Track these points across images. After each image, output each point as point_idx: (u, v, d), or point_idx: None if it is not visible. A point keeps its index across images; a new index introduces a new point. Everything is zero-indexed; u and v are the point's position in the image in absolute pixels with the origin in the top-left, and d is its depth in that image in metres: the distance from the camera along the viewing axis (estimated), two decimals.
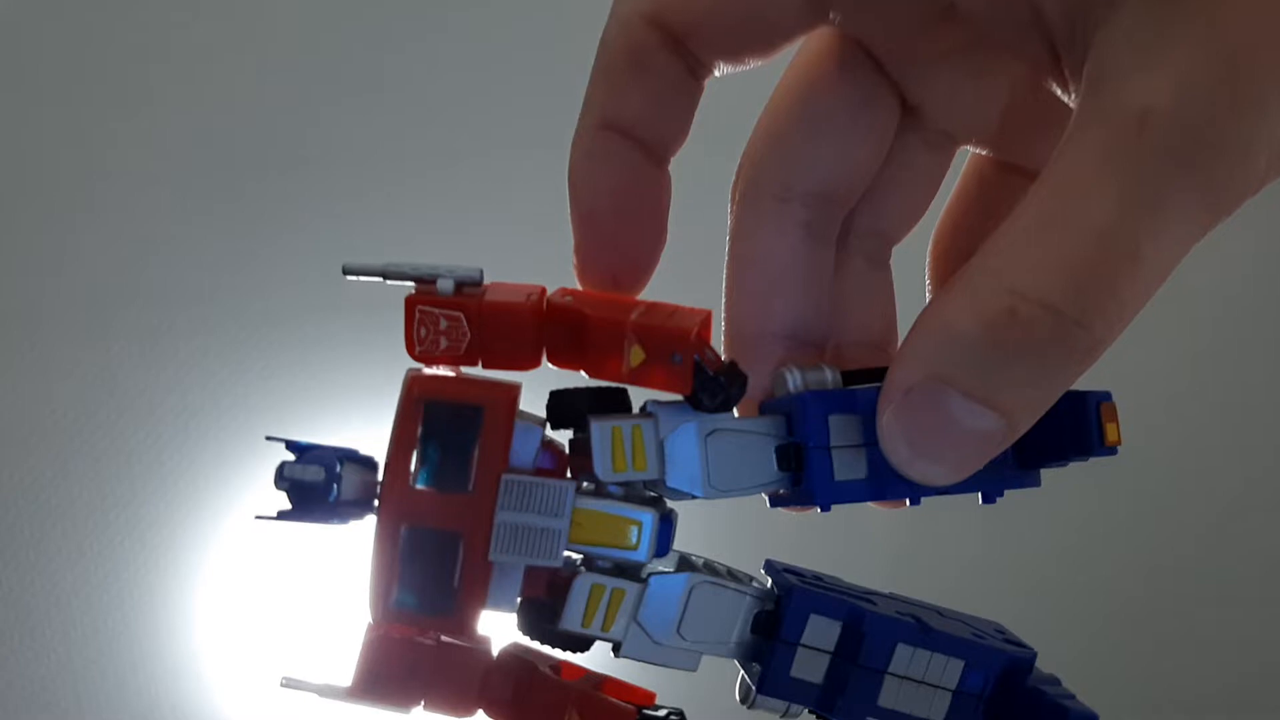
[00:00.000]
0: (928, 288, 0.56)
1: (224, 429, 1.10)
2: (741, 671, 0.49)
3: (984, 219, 0.53)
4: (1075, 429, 0.48)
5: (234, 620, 1.15)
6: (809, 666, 0.48)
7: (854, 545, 1.10)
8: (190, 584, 1.16)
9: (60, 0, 1.17)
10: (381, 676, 0.45)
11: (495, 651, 0.48)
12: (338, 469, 0.44)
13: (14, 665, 1.14)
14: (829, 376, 0.50)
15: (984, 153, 0.53)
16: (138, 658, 1.13)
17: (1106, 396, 0.48)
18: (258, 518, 0.44)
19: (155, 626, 1.14)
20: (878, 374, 0.50)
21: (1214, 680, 1.51)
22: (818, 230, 0.47)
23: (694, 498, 0.47)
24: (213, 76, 1.22)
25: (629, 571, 0.46)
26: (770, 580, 0.50)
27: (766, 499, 0.50)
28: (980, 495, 0.50)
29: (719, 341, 0.51)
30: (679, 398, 0.42)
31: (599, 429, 0.44)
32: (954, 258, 0.55)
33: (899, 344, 0.53)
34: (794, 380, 0.49)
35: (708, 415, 0.46)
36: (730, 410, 0.46)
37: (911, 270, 0.56)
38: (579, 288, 0.50)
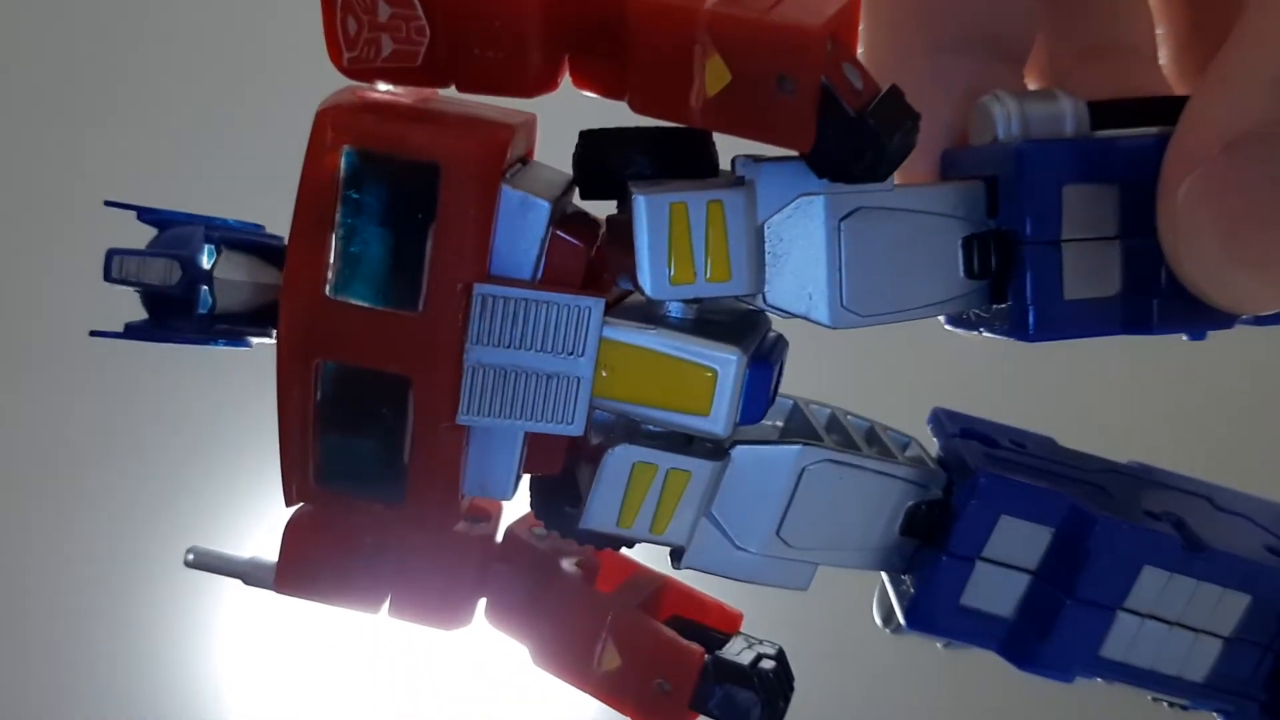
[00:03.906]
0: None
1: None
2: (884, 581, 0.31)
3: None
4: None
5: (256, 636, 1.03)
6: (993, 592, 0.29)
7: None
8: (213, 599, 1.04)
9: None
10: (317, 567, 0.30)
11: (500, 533, 0.32)
12: (204, 262, 0.26)
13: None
14: (1068, 112, 0.29)
15: None
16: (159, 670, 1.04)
17: None
18: (92, 334, 0.27)
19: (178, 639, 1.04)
20: (1156, 110, 0.29)
21: None
22: None
23: (817, 324, 0.27)
24: None
25: (700, 443, 0.28)
26: (938, 449, 0.31)
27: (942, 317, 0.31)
28: None
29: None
30: (790, 153, 0.26)
31: (648, 206, 0.25)
32: None
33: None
34: (1005, 116, 0.29)
35: (844, 185, 0.26)
36: (886, 178, 0.26)
37: None
38: None
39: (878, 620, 0.32)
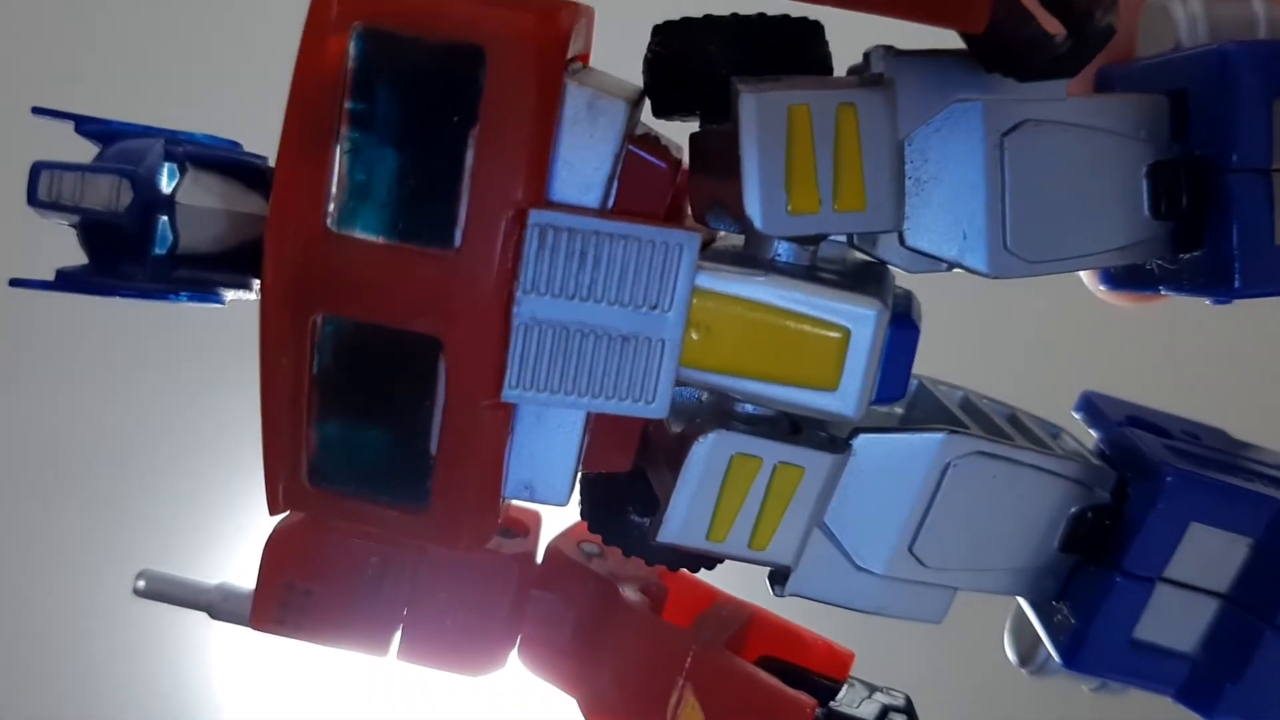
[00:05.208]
0: None
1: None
2: (1025, 609, 0.25)
3: None
4: None
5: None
6: (1175, 621, 0.23)
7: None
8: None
9: None
10: (307, 597, 0.23)
11: (541, 553, 0.25)
12: (163, 183, 0.20)
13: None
14: (1260, 16, 0.23)
15: None
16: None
17: None
18: (13, 283, 0.20)
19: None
20: None
21: None
22: None
23: (970, 271, 0.21)
24: None
25: (810, 429, 0.21)
26: (1098, 442, 0.25)
27: (1086, 278, 0.25)
28: None
29: None
30: (947, 39, 0.20)
31: (760, 108, 0.19)
32: None
33: None
34: (1189, 18, 0.23)
35: (1012, 86, 0.20)
36: (1077, 73, 0.20)
37: None
38: None
39: (1012, 658, 0.26)
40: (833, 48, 0.22)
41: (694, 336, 0.20)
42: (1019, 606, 0.25)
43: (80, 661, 0.98)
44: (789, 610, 0.25)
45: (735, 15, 0.21)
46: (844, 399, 0.20)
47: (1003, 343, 0.69)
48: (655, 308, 0.20)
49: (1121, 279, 0.24)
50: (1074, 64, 0.19)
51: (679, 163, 0.21)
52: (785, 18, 0.21)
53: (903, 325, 0.20)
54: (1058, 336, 0.69)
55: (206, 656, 0.96)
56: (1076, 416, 0.25)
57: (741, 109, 0.19)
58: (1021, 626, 0.25)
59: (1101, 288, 0.25)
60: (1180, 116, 0.22)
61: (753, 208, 0.19)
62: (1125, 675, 0.24)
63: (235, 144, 0.21)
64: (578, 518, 0.24)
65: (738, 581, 0.25)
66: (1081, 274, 0.25)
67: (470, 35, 0.19)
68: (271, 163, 0.20)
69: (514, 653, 0.25)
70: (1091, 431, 0.25)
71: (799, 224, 0.19)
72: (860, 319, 0.20)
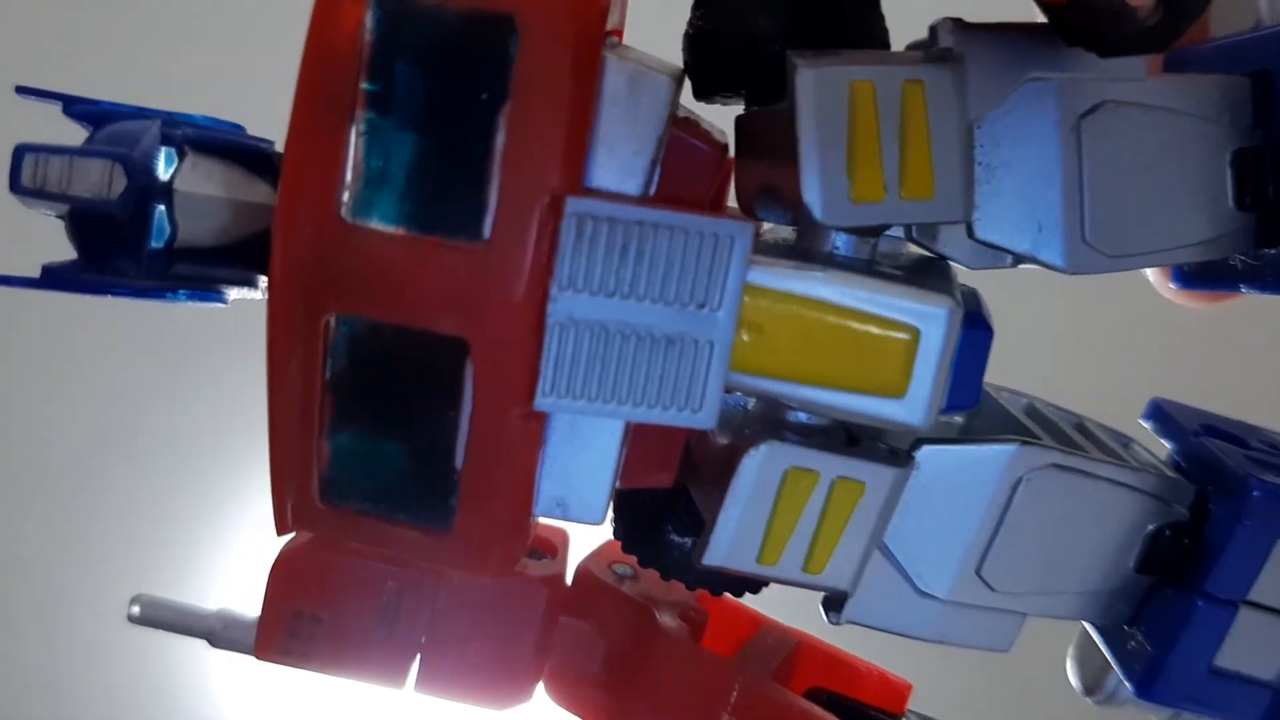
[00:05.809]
0: None
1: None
2: (1093, 635, 0.23)
3: None
4: None
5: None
6: (1258, 647, 0.21)
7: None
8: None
9: None
10: (316, 625, 0.21)
11: (570, 575, 0.23)
12: (160, 169, 0.18)
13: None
14: None
15: None
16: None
17: None
18: None
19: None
20: None
21: None
22: None
23: (1045, 266, 0.19)
24: None
25: (870, 441, 0.19)
26: (1172, 453, 0.23)
27: (1153, 274, 0.23)
28: None
29: None
30: (1020, 12, 0.18)
31: (819, 84, 0.17)
32: None
33: None
34: None
35: (1091, 64, 0.18)
36: (1161, 48, 0.18)
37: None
38: None
39: (1076, 686, 0.24)
40: (890, 23, 0.20)
41: (745, 338, 0.18)
42: (1083, 631, 0.23)
43: (78, 667, 0.96)
44: (836, 636, 0.23)
45: None
46: (912, 407, 0.18)
47: (1050, 346, 0.66)
48: (703, 306, 0.18)
49: (1195, 276, 0.22)
50: (1165, 37, 0.17)
51: (725, 148, 0.20)
52: None
53: (975, 325, 0.19)
54: (1112, 340, 0.66)
55: (207, 668, 0.94)
56: (1145, 425, 0.24)
57: (799, 85, 0.17)
58: (1086, 652, 0.23)
59: (1172, 286, 0.23)
60: (1263, 100, 0.21)
61: (811, 195, 0.17)
62: (1204, 706, 0.22)
63: (239, 127, 0.20)
64: (609, 536, 0.22)
65: (780, 605, 0.23)
66: (1148, 272, 0.23)
67: (500, 2, 0.17)
68: (279, 147, 0.18)
69: (541, 684, 0.23)
70: (1164, 442, 0.23)
71: (862, 213, 0.18)
72: (931, 318, 0.18)
